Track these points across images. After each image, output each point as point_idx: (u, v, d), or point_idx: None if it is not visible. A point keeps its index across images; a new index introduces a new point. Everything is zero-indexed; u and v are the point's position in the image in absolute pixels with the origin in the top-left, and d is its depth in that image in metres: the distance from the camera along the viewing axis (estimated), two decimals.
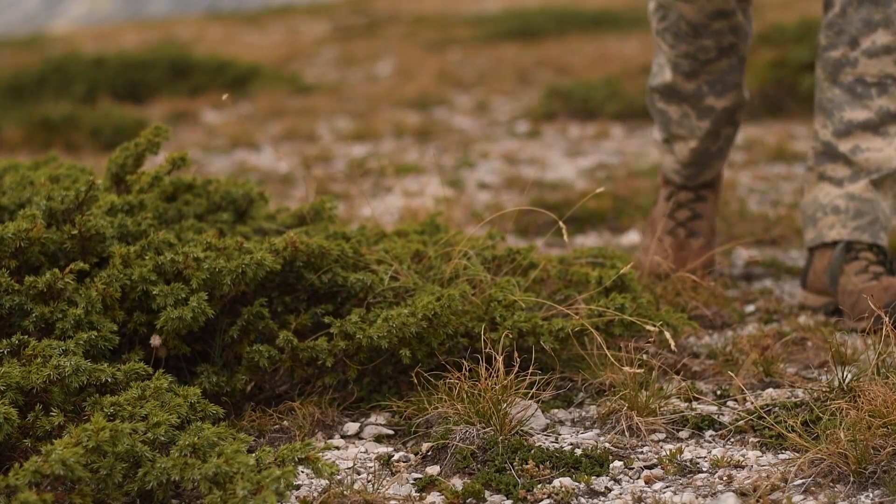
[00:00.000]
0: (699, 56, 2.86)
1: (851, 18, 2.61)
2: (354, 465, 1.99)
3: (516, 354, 2.13)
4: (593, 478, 1.89)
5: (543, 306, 2.31)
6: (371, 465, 1.99)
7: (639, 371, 2.09)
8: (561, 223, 2.32)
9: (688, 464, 1.94)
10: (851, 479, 1.81)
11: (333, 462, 1.88)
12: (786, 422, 1.99)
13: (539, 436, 2.07)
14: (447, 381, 2.09)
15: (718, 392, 2.25)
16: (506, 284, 2.34)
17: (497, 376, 2.03)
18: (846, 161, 2.68)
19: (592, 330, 2.22)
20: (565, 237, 2.31)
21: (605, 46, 8.72)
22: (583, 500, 1.84)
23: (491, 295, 2.29)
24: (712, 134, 2.95)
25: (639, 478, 1.91)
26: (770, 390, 2.23)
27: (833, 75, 2.66)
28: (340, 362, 2.20)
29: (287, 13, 14.56)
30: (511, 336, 2.17)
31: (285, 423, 2.15)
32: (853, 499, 1.76)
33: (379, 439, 2.11)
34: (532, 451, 1.96)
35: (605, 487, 1.88)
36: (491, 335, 2.17)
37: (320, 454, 1.74)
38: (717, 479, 1.87)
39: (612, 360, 2.15)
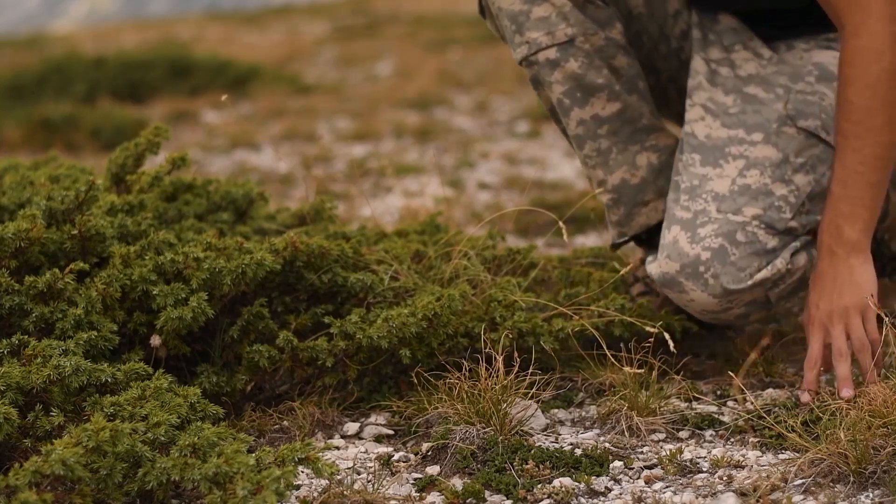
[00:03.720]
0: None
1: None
2: (354, 465, 1.99)
3: (516, 354, 2.13)
4: (593, 478, 1.89)
5: (544, 307, 2.31)
6: (371, 465, 1.99)
7: (639, 371, 2.09)
8: (561, 223, 2.32)
9: (688, 464, 1.94)
10: (851, 479, 1.80)
11: (333, 462, 1.88)
12: (786, 422, 1.99)
13: (539, 436, 2.07)
14: (447, 381, 2.09)
15: (718, 392, 2.25)
16: (506, 284, 2.34)
17: (497, 376, 2.03)
18: None
19: (593, 330, 2.22)
20: (565, 237, 2.31)
21: None
22: (583, 500, 1.84)
23: (491, 295, 2.29)
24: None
25: (639, 478, 1.91)
26: (770, 390, 2.23)
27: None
28: (340, 362, 2.20)
29: (287, 13, 14.56)
30: (511, 336, 2.17)
31: (285, 423, 2.15)
32: (853, 499, 1.76)
33: (379, 439, 2.11)
34: (532, 451, 1.96)
35: (605, 487, 1.88)
36: (491, 335, 2.17)
37: (320, 454, 1.74)
38: (717, 479, 1.87)
39: (612, 360, 2.15)
